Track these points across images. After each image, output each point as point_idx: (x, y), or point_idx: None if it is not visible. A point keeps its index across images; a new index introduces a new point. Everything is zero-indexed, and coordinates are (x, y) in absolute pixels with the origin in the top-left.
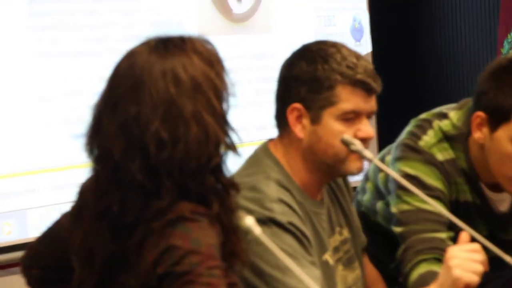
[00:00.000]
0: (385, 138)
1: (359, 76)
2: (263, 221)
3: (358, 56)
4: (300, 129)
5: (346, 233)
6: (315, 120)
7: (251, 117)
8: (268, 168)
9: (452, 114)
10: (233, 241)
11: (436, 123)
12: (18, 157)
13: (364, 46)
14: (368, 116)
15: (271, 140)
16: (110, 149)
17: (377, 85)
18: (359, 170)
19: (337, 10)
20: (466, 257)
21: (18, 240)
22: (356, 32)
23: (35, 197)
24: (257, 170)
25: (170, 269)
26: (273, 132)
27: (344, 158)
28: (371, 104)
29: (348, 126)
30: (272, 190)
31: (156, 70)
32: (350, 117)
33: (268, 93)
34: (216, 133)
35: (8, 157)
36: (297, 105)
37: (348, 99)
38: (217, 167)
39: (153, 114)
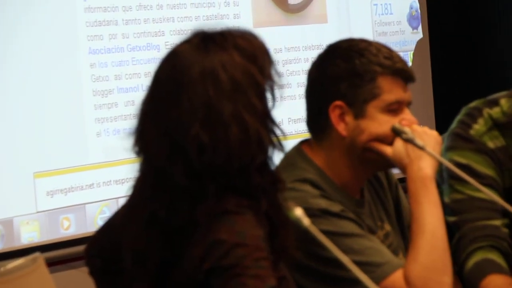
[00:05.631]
0: (442, 124)
1: (398, 65)
2: (316, 215)
3: (389, 47)
4: (343, 127)
5: (387, 226)
6: (359, 114)
7: None
8: (303, 170)
9: (503, 102)
10: (282, 236)
11: (486, 111)
12: (76, 152)
13: (421, 34)
14: (407, 105)
15: (303, 142)
16: (153, 155)
17: (413, 73)
18: None
19: None
20: None
21: (77, 235)
22: (413, 20)
23: (94, 192)
24: (291, 174)
25: (217, 263)
26: None
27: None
28: (409, 93)
29: (393, 117)
30: (311, 189)
31: (195, 72)
32: (394, 108)
33: None
34: (257, 131)
35: (66, 152)
36: (338, 102)
37: (390, 89)
38: (263, 165)
39: (193, 118)
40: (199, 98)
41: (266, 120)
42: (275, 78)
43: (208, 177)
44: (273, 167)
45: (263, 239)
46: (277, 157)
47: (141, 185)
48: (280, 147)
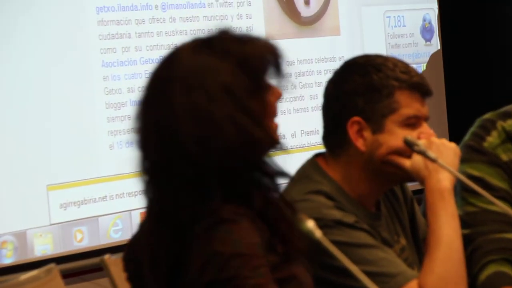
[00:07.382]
0: (456, 136)
1: (415, 79)
2: (330, 226)
3: (405, 62)
4: (362, 143)
5: (403, 241)
6: (378, 129)
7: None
8: (318, 183)
9: None
10: (283, 230)
11: (500, 123)
12: (89, 165)
13: (434, 46)
14: (425, 120)
15: (318, 156)
16: (148, 152)
17: (430, 88)
18: None
19: (406, 10)
20: None
21: (90, 247)
22: (426, 32)
23: (107, 204)
24: (306, 186)
25: (216, 277)
26: None
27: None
28: (427, 108)
29: (411, 131)
30: (325, 200)
31: (186, 72)
32: (412, 122)
33: None
34: (250, 130)
35: (79, 165)
36: (356, 118)
37: (408, 104)
38: (258, 164)
39: (185, 116)
40: (189, 99)
41: (260, 120)
42: (278, 79)
43: (206, 173)
44: (272, 163)
45: (260, 247)
46: (291, 168)
47: (148, 184)
48: (276, 146)
